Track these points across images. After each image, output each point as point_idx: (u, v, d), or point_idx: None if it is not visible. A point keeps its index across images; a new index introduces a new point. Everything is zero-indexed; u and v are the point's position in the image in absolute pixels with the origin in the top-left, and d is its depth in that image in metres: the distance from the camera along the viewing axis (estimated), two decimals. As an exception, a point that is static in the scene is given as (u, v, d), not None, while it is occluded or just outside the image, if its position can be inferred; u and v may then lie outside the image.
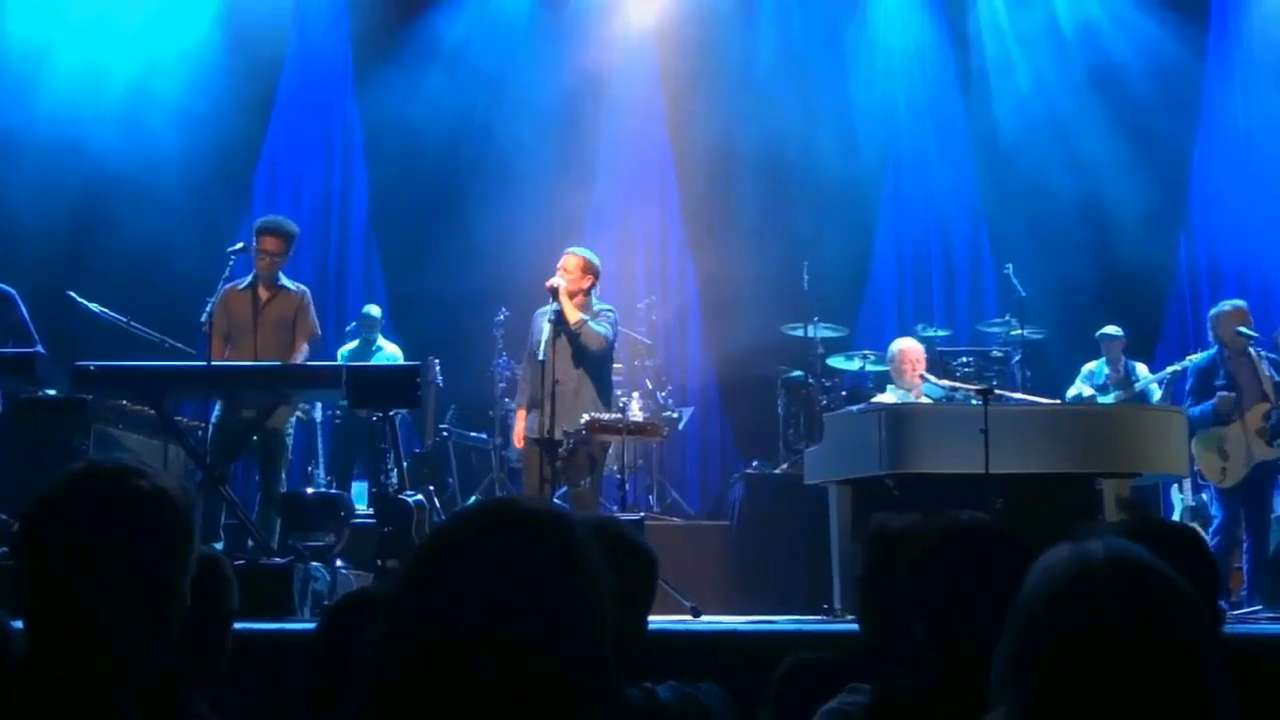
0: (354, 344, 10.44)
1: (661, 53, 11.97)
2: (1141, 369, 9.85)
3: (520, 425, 8.31)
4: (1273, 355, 8.77)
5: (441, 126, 11.47)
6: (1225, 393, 8.42)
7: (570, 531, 1.51)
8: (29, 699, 1.67)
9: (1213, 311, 8.89)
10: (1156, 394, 9.68)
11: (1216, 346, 8.72)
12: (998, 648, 1.64)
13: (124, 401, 7.82)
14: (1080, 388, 9.76)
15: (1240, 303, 8.81)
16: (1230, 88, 12.19)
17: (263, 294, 8.03)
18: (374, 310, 10.61)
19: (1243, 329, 8.58)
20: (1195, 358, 9.00)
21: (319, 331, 8.33)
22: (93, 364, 7.07)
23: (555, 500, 7.92)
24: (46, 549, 1.74)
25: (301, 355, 7.96)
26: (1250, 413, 8.48)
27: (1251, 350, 8.63)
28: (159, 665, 1.79)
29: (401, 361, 9.89)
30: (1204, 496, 9.45)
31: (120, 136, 10.72)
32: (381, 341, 10.46)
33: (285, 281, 8.15)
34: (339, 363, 9.14)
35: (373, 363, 9.85)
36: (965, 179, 12.33)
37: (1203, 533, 9.08)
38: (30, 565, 1.74)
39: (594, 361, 8.15)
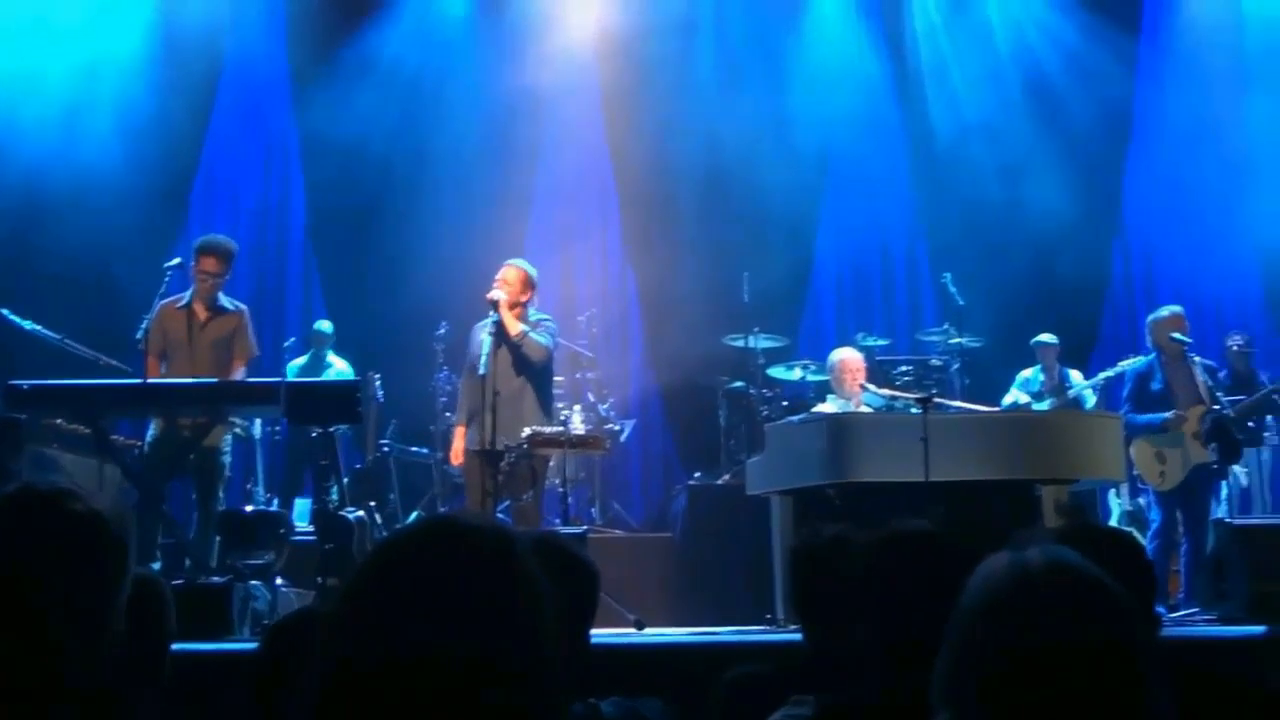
0: (303, 359, 10.39)
1: (601, 67, 11.97)
2: (1075, 375, 9.96)
3: (459, 442, 8.28)
4: (1207, 362, 8.88)
5: (380, 140, 11.43)
6: (1177, 413, 8.50)
7: (510, 547, 1.51)
8: None
9: (1150, 317, 8.99)
10: (1091, 400, 9.79)
11: (1154, 352, 8.82)
12: (937, 657, 1.65)
13: (59, 420, 7.72)
14: (1016, 395, 9.85)
15: (1177, 309, 8.91)
16: (1160, 96, 12.32)
17: (200, 313, 7.95)
18: (325, 325, 10.59)
19: (1176, 335, 8.69)
20: (1130, 363, 9.10)
21: (257, 352, 8.27)
22: (26, 383, 7.00)
23: (498, 515, 7.90)
24: None
25: (238, 377, 7.89)
26: (1189, 417, 8.58)
27: (1192, 356, 8.73)
28: (95, 686, 1.77)
29: (350, 376, 9.85)
30: (1141, 501, 9.55)
31: (53, 148, 10.64)
32: (332, 358, 10.42)
33: (224, 301, 8.07)
34: (284, 379, 9.05)
35: (321, 379, 9.79)
36: (902, 189, 12.41)
37: (1140, 537, 9.19)
38: None
39: (535, 372, 8.16)
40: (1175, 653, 5.19)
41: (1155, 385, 8.71)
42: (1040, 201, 11.49)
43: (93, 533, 1.75)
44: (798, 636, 3.35)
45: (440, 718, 1.40)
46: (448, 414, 10.02)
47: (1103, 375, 9.67)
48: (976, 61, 12.34)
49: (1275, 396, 8.90)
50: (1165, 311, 8.91)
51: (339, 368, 10.30)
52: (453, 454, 8.44)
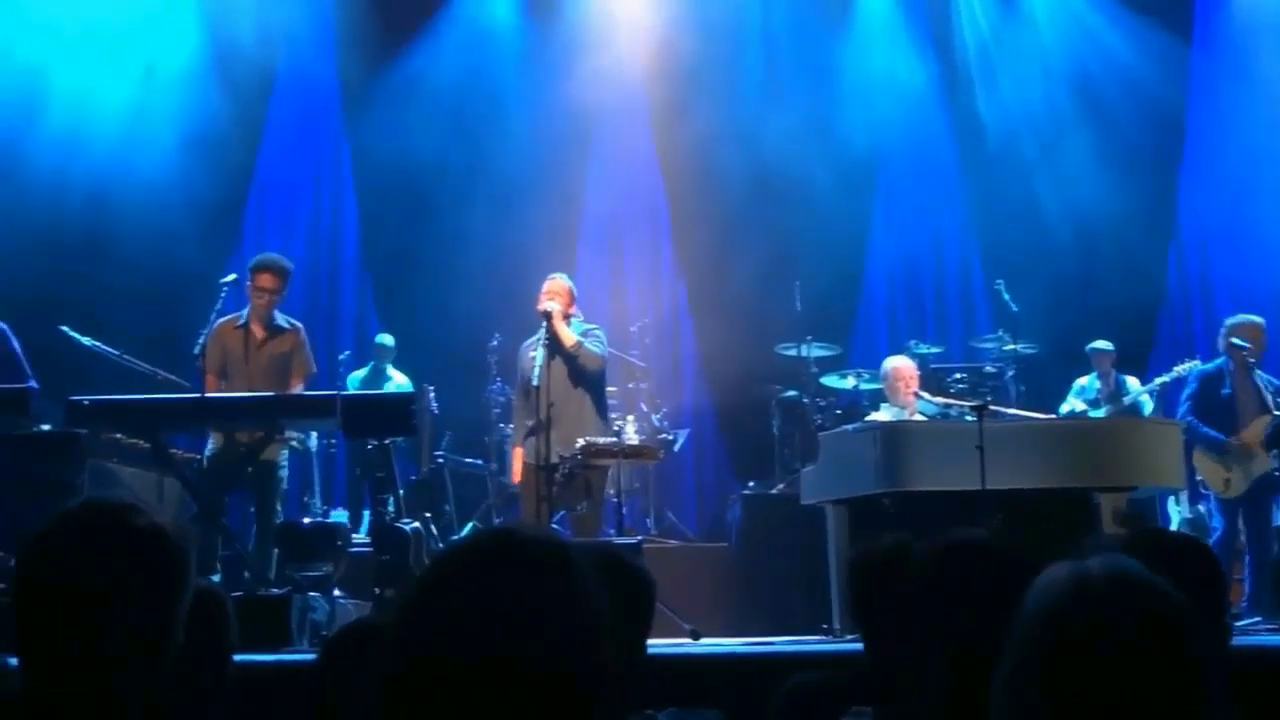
0: (363, 371, 10.49)
1: (650, 80, 11.99)
2: (1132, 382, 9.86)
3: (518, 462, 8.32)
4: (1268, 377, 8.77)
5: (431, 156, 11.47)
6: (1240, 439, 8.41)
7: (567, 559, 1.52)
8: None
9: (1248, 320, 8.83)
10: (1149, 406, 9.68)
11: (1225, 357, 8.71)
12: (997, 666, 1.64)
13: (119, 435, 7.79)
14: (1073, 403, 9.77)
15: (1258, 319, 8.79)
16: (1214, 99, 12.22)
17: (257, 333, 8.00)
18: (387, 339, 10.70)
19: (1237, 340, 8.59)
20: (1186, 367, 9.02)
21: (315, 369, 8.30)
22: (87, 398, 7.07)
23: (554, 525, 7.92)
24: (43, 587, 1.74)
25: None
26: (1253, 425, 8.49)
27: (1251, 365, 8.63)
28: (156, 700, 1.79)
29: (408, 389, 9.92)
30: (1201, 508, 9.44)
31: (110, 168, 10.78)
32: (392, 371, 10.51)
33: (280, 320, 8.11)
34: (340, 392, 9.09)
35: (380, 391, 9.86)
36: (954, 195, 12.37)
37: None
38: (26, 603, 1.74)
39: (591, 381, 8.19)
40: (1237, 661, 5.13)
41: (1224, 391, 8.60)
42: (1093, 207, 11.43)
43: (155, 547, 1.76)
44: (855, 646, 3.34)
45: (495, 717, 1.40)
46: (501, 425, 10.06)
47: (1159, 381, 9.60)
48: (1026, 66, 12.26)
49: None
50: (1241, 319, 8.79)
51: (399, 381, 10.38)
52: (514, 473, 8.47)
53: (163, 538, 1.77)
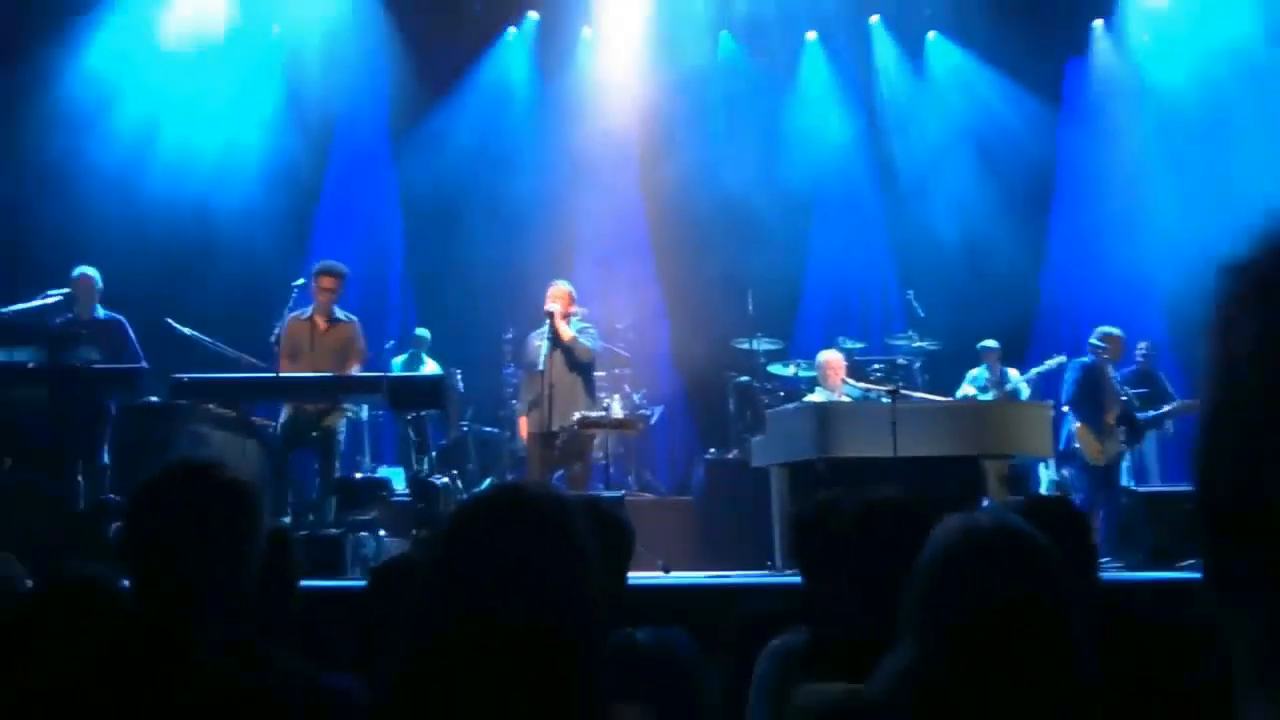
0: (403, 357, 10.47)
1: (635, 130, 11.98)
2: (1013, 373, 9.87)
3: (524, 427, 8.33)
4: (1123, 366, 8.85)
5: (461, 187, 11.51)
6: (1107, 419, 8.45)
7: (566, 511, 1.52)
8: (136, 646, 1.66)
9: (1112, 331, 8.81)
10: (1025, 392, 9.70)
11: (1093, 357, 8.71)
12: (904, 593, 1.64)
13: (210, 406, 7.77)
14: (966, 389, 9.78)
15: (1117, 331, 8.85)
16: (1077, 151, 12.29)
17: (320, 324, 7.96)
18: (424, 332, 10.69)
19: (1097, 343, 8.68)
20: (1054, 361, 9.11)
21: (367, 356, 8.25)
22: (186, 376, 7.06)
23: (554, 481, 7.92)
24: (148, 527, 1.74)
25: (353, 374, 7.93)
26: (1113, 410, 8.54)
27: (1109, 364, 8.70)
28: (238, 619, 1.79)
29: (438, 373, 9.90)
30: (1065, 472, 9.46)
31: (208, 195, 10.81)
32: (426, 358, 10.46)
33: (339, 313, 8.08)
34: (388, 373, 9.05)
35: (416, 373, 9.87)
36: (875, 224, 12.41)
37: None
38: (135, 539, 1.74)
39: (584, 368, 8.19)
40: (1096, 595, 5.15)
41: (1100, 385, 8.62)
42: (983, 234, 11.48)
43: (235, 498, 1.77)
44: (792, 580, 3.33)
45: (507, 646, 1.40)
46: (513, 402, 10.03)
47: (1034, 371, 9.64)
48: (930, 122, 12.32)
49: (1166, 421, 8.95)
50: (1109, 330, 8.81)
51: (431, 367, 10.33)
52: (521, 433, 8.49)
53: (241, 490, 1.78)
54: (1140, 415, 8.60)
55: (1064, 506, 2.85)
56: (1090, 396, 8.56)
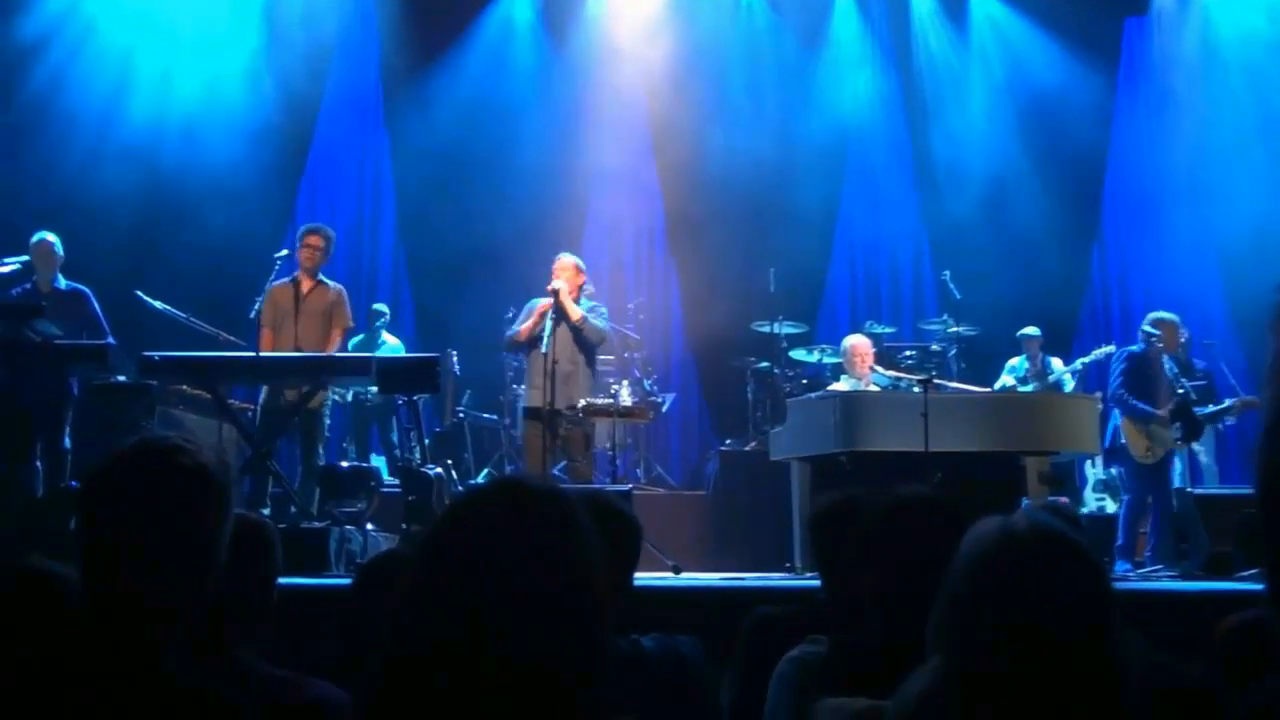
0: (360, 337, 10.41)
1: (649, 90, 11.92)
2: (1056, 362, 9.85)
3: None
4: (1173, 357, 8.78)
5: (459, 150, 11.47)
6: (1160, 414, 8.37)
7: (569, 508, 1.52)
8: (92, 653, 1.66)
9: (1166, 316, 8.66)
10: (1070, 384, 9.68)
11: (1144, 345, 8.60)
12: (934, 605, 1.65)
13: (184, 386, 7.79)
14: (1005, 379, 9.76)
15: (1172, 317, 8.66)
16: (1136, 122, 12.21)
17: (304, 285, 7.99)
18: (381, 306, 10.67)
19: (1149, 329, 8.59)
20: (1103, 351, 9.04)
21: (352, 324, 8.29)
22: (156, 354, 7.06)
23: (555, 473, 7.93)
24: (101, 518, 1.74)
25: (335, 344, 7.95)
26: (1167, 404, 8.48)
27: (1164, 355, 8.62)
28: (202, 613, 1.79)
29: (402, 354, 9.89)
30: (1114, 471, 9.44)
31: (180, 154, 10.76)
32: (385, 335, 10.44)
33: (324, 279, 8.11)
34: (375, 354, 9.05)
35: (379, 354, 9.82)
36: (909, 199, 12.35)
37: (1113, 502, 9.12)
38: (87, 531, 1.74)
39: (590, 350, 8.19)
40: (1144, 605, 5.15)
41: (1150, 376, 8.53)
42: (1029, 209, 11.44)
43: (198, 482, 1.76)
44: (813, 583, 3.33)
45: (501, 654, 1.41)
46: (514, 386, 10.06)
47: (1080, 362, 9.60)
48: (972, 86, 12.24)
49: (1225, 416, 8.87)
50: (1162, 315, 8.67)
51: (392, 343, 10.33)
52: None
53: (204, 473, 1.76)
54: (1198, 410, 8.52)
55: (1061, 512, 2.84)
56: (1139, 388, 8.48)
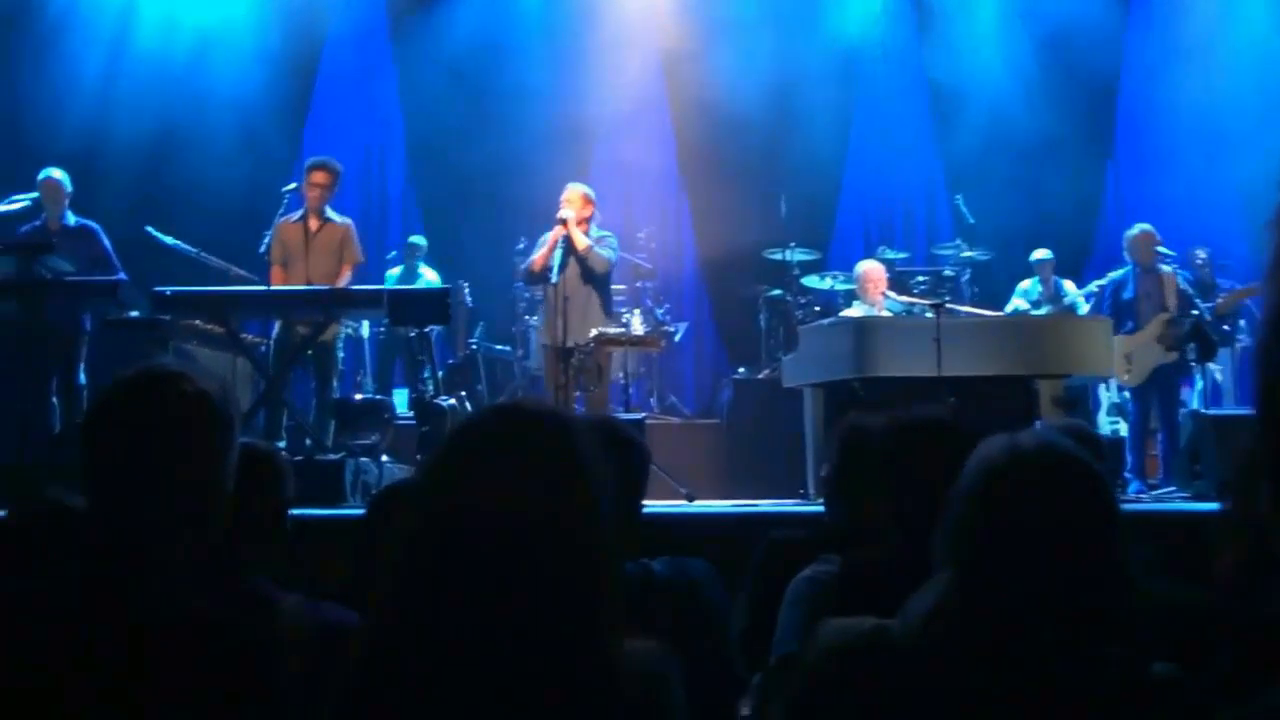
0: (399, 269, 10.40)
1: (659, 18, 11.79)
2: (1069, 285, 9.77)
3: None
4: (1185, 272, 8.74)
5: (467, 79, 11.39)
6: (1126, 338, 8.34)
7: (566, 428, 1.51)
8: (91, 568, 1.67)
9: (1127, 233, 8.80)
10: (1083, 307, 9.61)
11: (1130, 265, 8.66)
12: (942, 520, 1.64)
13: (197, 321, 7.80)
14: (1017, 303, 9.69)
15: (1148, 226, 8.73)
16: (1148, 41, 12.02)
17: (313, 224, 7.95)
18: (419, 239, 10.60)
19: (1160, 248, 8.55)
20: (1121, 273, 9.00)
21: (362, 258, 8.24)
22: (169, 289, 7.07)
23: (576, 403, 7.95)
24: (102, 442, 1.74)
25: (345, 279, 7.92)
26: (1152, 323, 8.45)
27: (1163, 267, 8.58)
28: (213, 540, 1.79)
29: (439, 285, 9.87)
30: (1128, 394, 9.42)
31: (186, 90, 10.71)
32: (423, 269, 10.40)
33: (331, 214, 8.06)
34: (385, 286, 9.04)
35: (417, 286, 9.81)
36: (922, 120, 12.21)
37: (1124, 424, 9.12)
38: (91, 461, 1.74)
39: (600, 280, 8.16)
40: (1156, 524, 5.15)
41: (1126, 295, 8.57)
42: (1041, 130, 11.29)
43: (200, 409, 1.75)
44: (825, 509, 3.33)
45: (506, 578, 1.41)
46: (526, 317, 10.05)
47: (1094, 284, 9.52)
48: (986, 7, 12.05)
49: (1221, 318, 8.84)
50: (1138, 229, 8.72)
51: (429, 277, 10.29)
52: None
53: (206, 401, 1.76)
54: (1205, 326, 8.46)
55: (1076, 432, 2.83)
56: (1113, 311, 8.49)
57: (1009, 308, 9.61)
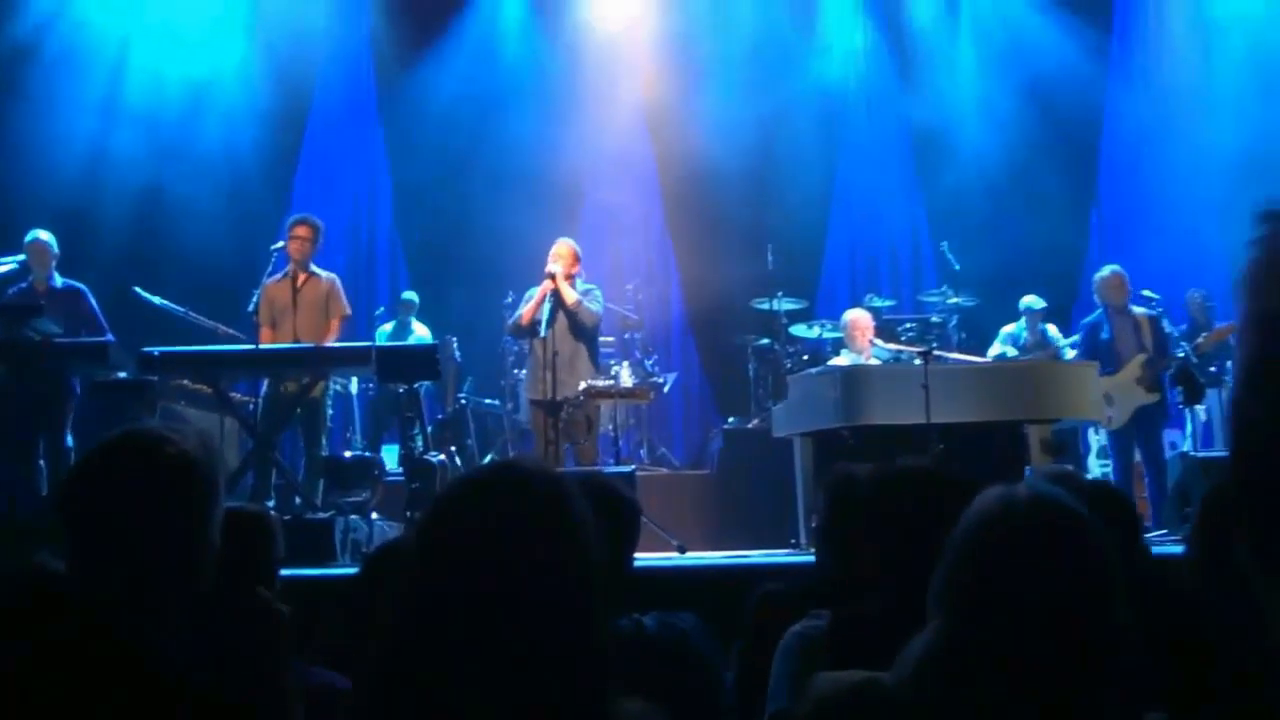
0: (390, 325, 10.42)
1: (645, 72, 11.89)
2: (1052, 329, 9.80)
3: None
4: (1151, 312, 8.74)
5: (454, 136, 11.46)
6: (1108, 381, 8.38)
7: (561, 488, 1.52)
8: (74, 635, 1.66)
9: (1096, 275, 8.87)
10: (1069, 354, 9.65)
11: (1102, 307, 8.72)
12: (935, 572, 1.64)
13: (185, 381, 7.79)
14: (1001, 348, 9.70)
15: (1116, 268, 8.81)
16: (1130, 87, 12.17)
17: (299, 278, 7.98)
18: (411, 295, 10.63)
19: (1144, 292, 8.63)
20: (1088, 319, 9.08)
21: (349, 312, 8.26)
22: (156, 350, 7.07)
23: (566, 456, 7.94)
24: (86, 512, 1.73)
25: (334, 334, 7.94)
26: (1130, 364, 8.49)
27: (1134, 308, 8.63)
28: (198, 604, 1.78)
29: (430, 341, 9.88)
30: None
31: (173, 149, 10.75)
32: (415, 325, 10.42)
33: (316, 270, 8.10)
34: (376, 343, 9.05)
35: (405, 342, 9.82)
36: (905, 167, 12.32)
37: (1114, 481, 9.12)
38: (72, 526, 1.73)
39: (588, 334, 8.19)
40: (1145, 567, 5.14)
41: (1104, 336, 8.62)
42: (1024, 175, 11.40)
43: (183, 473, 1.75)
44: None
45: (500, 628, 1.40)
46: (515, 371, 10.05)
47: (1077, 335, 9.56)
48: (964, 55, 12.19)
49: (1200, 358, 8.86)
50: (1108, 271, 8.80)
51: (420, 333, 10.31)
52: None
53: (189, 464, 1.76)
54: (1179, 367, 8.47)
55: (1104, 493, 2.84)
56: (1094, 354, 8.53)
57: (992, 352, 9.63)
